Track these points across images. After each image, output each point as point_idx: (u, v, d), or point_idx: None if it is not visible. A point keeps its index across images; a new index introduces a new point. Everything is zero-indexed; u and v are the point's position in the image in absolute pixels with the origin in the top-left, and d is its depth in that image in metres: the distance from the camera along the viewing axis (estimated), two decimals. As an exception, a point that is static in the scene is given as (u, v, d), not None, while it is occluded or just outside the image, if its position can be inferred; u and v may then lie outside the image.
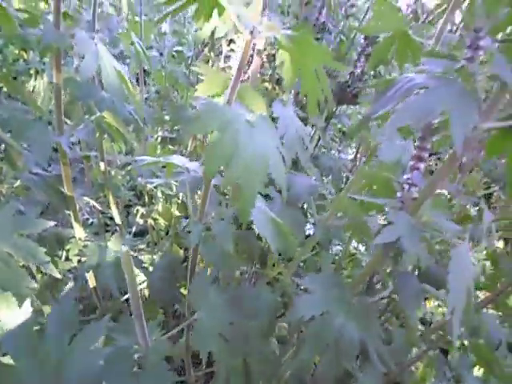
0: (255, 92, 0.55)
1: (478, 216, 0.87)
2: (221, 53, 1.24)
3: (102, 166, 0.95)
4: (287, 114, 0.69)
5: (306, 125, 0.91)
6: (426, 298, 1.08)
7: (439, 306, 1.10)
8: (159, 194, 1.11)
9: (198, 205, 0.57)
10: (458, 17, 0.78)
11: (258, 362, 0.66)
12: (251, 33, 0.45)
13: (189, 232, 0.63)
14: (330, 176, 1.11)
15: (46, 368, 0.44)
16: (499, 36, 0.46)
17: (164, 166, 0.96)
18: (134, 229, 1.10)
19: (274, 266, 0.92)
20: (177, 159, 0.64)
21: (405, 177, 0.49)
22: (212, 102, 0.46)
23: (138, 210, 1.10)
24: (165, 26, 1.19)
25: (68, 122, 0.74)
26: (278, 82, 0.99)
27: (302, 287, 0.54)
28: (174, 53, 1.27)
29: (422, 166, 0.48)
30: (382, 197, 0.53)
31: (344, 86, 1.11)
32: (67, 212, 0.77)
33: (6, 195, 0.70)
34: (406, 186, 0.49)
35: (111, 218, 1.08)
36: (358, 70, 1.08)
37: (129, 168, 1.05)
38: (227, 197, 0.82)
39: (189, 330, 0.68)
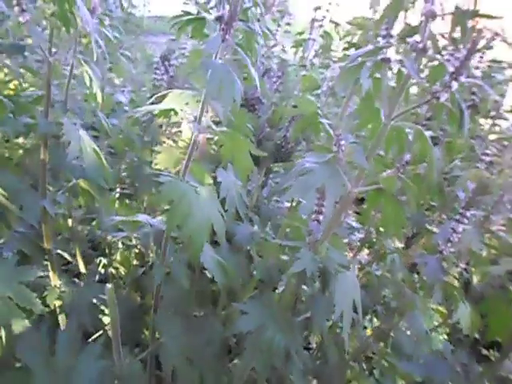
0: (201, 167, 0.77)
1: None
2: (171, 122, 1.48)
3: (70, 222, 1.13)
4: (229, 178, 0.92)
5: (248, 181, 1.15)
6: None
7: (365, 327, 1.33)
8: (120, 245, 1.28)
9: (160, 252, 0.78)
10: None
11: (213, 377, 0.85)
12: (198, 131, 0.68)
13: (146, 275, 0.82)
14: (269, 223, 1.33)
15: (58, 374, 0.62)
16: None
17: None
18: (96, 277, 1.26)
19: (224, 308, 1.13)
20: (141, 217, 0.84)
21: (309, 227, 0.72)
22: (171, 179, 0.68)
23: (100, 261, 1.27)
24: (122, 98, 1.42)
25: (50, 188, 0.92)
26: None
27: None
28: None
29: (320, 217, 0.72)
30: (297, 240, 0.76)
31: (279, 146, 1.36)
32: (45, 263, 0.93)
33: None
34: (311, 232, 0.72)
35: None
36: (289, 134, 1.34)
37: (93, 223, 1.23)
38: (181, 245, 1.02)
39: (153, 353, 0.86)
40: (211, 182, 0.77)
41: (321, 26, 1.33)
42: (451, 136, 1.14)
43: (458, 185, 0.94)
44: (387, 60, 0.65)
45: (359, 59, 0.67)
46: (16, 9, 0.68)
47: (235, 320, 1.03)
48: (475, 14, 0.55)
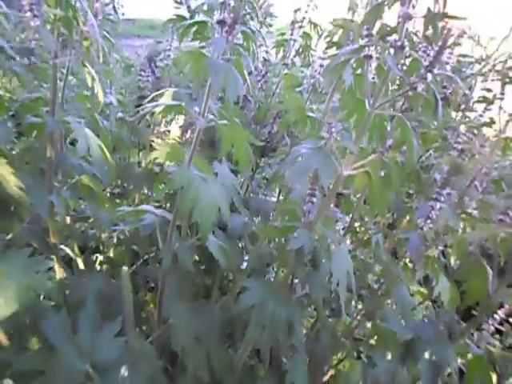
0: (203, 159, 0.85)
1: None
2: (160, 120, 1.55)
3: (68, 220, 1.18)
4: (224, 171, 1.00)
5: (237, 176, 1.23)
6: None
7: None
8: (114, 242, 1.34)
9: (167, 236, 0.85)
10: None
11: (217, 356, 0.92)
12: (202, 124, 0.76)
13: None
14: (258, 215, 1.42)
15: (81, 351, 0.68)
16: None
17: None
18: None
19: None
20: (146, 207, 0.91)
21: (304, 207, 0.81)
22: (180, 169, 0.76)
23: (96, 257, 1.32)
24: (111, 98, 1.48)
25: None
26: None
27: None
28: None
29: (314, 199, 0.81)
30: (292, 222, 0.84)
31: (265, 142, 1.45)
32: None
33: (15, 242, 0.91)
34: (306, 213, 0.81)
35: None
36: (274, 130, 1.43)
37: (91, 220, 1.29)
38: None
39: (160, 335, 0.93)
40: (212, 171, 0.85)
41: (301, 26, 1.43)
42: (426, 127, 1.25)
43: (435, 169, 1.04)
44: (369, 57, 0.74)
45: (343, 57, 0.76)
46: (28, 14, 0.74)
47: (231, 306, 1.12)
48: (444, 15, 0.65)
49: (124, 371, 0.62)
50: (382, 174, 0.78)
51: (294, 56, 1.47)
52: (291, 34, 1.39)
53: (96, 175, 1.01)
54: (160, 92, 1.03)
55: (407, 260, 1.20)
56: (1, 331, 0.78)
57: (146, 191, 1.56)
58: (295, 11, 1.43)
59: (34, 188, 0.85)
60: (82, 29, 0.83)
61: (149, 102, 1.15)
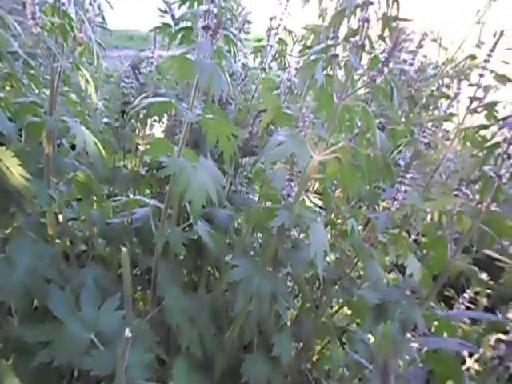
0: (191, 151, 0.96)
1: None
2: (144, 123, 1.66)
3: (61, 218, 1.27)
4: (209, 164, 1.11)
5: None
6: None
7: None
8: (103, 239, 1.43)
9: (160, 223, 0.95)
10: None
11: (208, 334, 1.02)
12: (190, 118, 0.88)
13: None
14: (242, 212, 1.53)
15: (86, 324, 0.78)
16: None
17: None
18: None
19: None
20: (140, 198, 1.02)
21: (284, 191, 0.93)
22: (171, 157, 0.87)
23: (88, 255, 1.41)
24: (98, 103, 1.58)
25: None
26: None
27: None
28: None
29: (292, 183, 0.92)
30: (274, 205, 0.96)
31: (245, 142, 1.57)
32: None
33: (19, 231, 1.00)
34: (286, 196, 0.93)
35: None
36: (254, 130, 1.55)
37: (82, 218, 1.38)
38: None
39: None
40: (200, 162, 0.96)
41: (276, 33, 1.56)
42: (394, 123, 1.39)
43: (401, 157, 1.18)
44: (336, 55, 0.87)
45: (313, 56, 0.89)
46: (31, 22, 0.84)
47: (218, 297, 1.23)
48: (396, 18, 0.78)
49: (128, 332, 0.71)
50: (352, 160, 0.90)
51: (271, 61, 1.61)
52: (268, 40, 1.53)
53: (90, 172, 1.12)
54: (146, 94, 1.14)
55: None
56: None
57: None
58: (271, 19, 1.56)
59: (34, 181, 0.95)
60: (77, 35, 0.94)
61: (135, 106, 1.27)
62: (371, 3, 0.78)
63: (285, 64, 1.64)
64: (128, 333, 0.71)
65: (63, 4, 0.88)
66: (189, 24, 1.05)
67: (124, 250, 0.85)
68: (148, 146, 1.09)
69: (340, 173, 0.92)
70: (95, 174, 1.07)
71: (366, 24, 0.81)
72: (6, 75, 1.04)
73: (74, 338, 0.77)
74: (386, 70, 0.78)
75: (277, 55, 1.61)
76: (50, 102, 0.97)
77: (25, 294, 0.84)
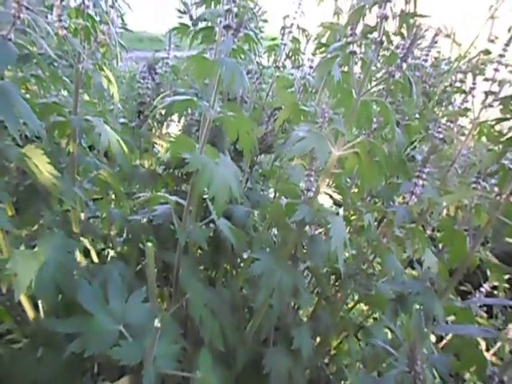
0: (212, 148, 0.98)
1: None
2: (160, 122, 1.69)
3: (83, 215, 1.31)
4: (228, 161, 1.14)
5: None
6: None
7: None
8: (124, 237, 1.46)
9: (182, 219, 0.98)
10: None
11: (230, 328, 1.05)
12: (212, 115, 0.90)
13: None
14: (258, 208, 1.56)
15: (114, 316, 0.81)
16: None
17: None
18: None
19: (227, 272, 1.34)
20: (162, 194, 1.05)
21: (304, 186, 0.95)
22: (194, 154, 0.89)
23: (108, 252, 1.44)
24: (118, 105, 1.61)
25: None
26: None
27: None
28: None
29: (312, 178, 0.94)
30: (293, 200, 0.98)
31: (261, 140, 1.59)
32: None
33: (45, 228, 1.03)
34: (305, 191, 0.95)
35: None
36: (269, 128, 1.57)
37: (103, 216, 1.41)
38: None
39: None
40: (220, 159, 0.98)
41: (290, 32, 1.58)
42: (409, 119, 1.40)
43: (417, 152, 1.19)
44: (354, 52, 0.89)
45: (331, 54, 0.91)
46: (57, 24, 0.87)
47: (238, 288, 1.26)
48: (414, 14, 0.80)
49: (157, 323, 0.74)
50: (370, 155, 0.92)
51: (285, 59, 1.63)
52: (282, 39, 1.55)
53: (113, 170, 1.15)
54: (164, 94, 1.17)
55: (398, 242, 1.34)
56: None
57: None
58: (284, 18, 1.58)
59: (61, 179, 0.98)
60: (101, 37, 0.97)
61: (155, 106, 1.30)
62: (389, 0, 0.80)
63: (299, 62, 1.66)
64: (157, 323, 0.74)
65: (88, 6, 0.91)
66: (208, 24, 1.07)
67: (149, 244, 0.88)
68: (168, 144, 1.12)
69: (359, 167, 0.94)
70: (116, 173, 1.10)
71: (383, 21, 0.83)
72: (31, 77, 1.08)
73: (103, 329, 0.80)
74: (404, 65, 0.79)
75: (290, 54, 1.63)
76: (74, 102, 1.00)
77: (55, 289, 0.87)
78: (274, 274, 0.92)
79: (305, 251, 1.04)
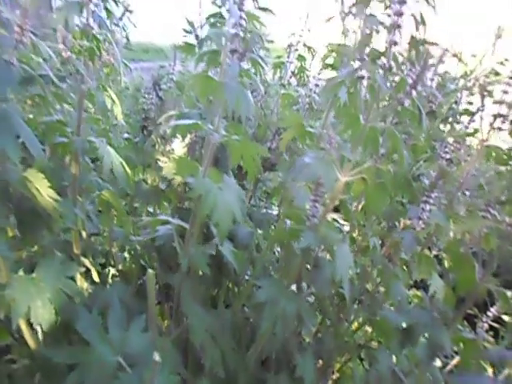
0: (215, 171, 0.97)
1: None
2: (164, 138, 1.67)
3: (84, 234, 1.29)
4: (231, 182, 1.12)
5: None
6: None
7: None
8: (126, 255, 1.44)
9: (185, 242, 0.96)
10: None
11: (231, 353, 1.02)
12: (216, 138, 0.88)
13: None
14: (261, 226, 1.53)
15: (114, 346, 0.78)
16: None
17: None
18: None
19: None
20: (164, 217, 1.03)
21: (309, 212, 0.93)
22: (197, 179, 0.87)
23: (109, 270, 1.42)
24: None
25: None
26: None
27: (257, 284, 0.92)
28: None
29: (317, 204, 0.92)
30: (298, 225, 0.96)
31: (265, 158, 1.58)
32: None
33: (46, 251, 1.01)
34: (310, 217, 0.93)
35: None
36: (274, 145, 1.56)
37: (105, 234, 1.39)
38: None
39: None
40: (224, 182, 0.96)
41: (296, 50, 1.57)
42: (415, 139, 1.38)
43: (424, 176, 1.17)
44: (362, 77, 0.87)
45: (339, 79, 0.90)
46: (61, 46, 0.86)
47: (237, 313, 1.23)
48: (424, 41, 0.78)
49: (157, 357, 0.72)
50: (377, 180, 0.90)
51: (290, 77, 1.62)
52: (288, 57, 1.54)
53: (115, 190, 1.13)
54: (171, 114, 1.15)
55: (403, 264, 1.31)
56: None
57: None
58: (290, 35, 1.57)
59: (61, 201, 0.96)
60: (105, 58, 0.96)
61: (159, 127, 1.29)
62: (399, 26, 0.78)
63: (304, 80, 1.65)
64: (157, 357, 0.71)
65: (93, 28, 0.90)
66: (212, 44, 1.06)
67: (150, 271, 0.86)
68: (170, 164, 1.10)
69: (365, 192, 0.92)
70: (118, 191, 1.08)
71: (392, 47, 0.81)
72: (33, 96, 1.06)
73: (102, 360, 0.77)
74: (414, 93, 0.78)
75: (296, 71, 1.62)
76: (78, 122, 0.98)
77: (54, 316, 0.85)
78: (278, 302, 0.90)
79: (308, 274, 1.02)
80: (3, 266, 0.87)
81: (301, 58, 1.60)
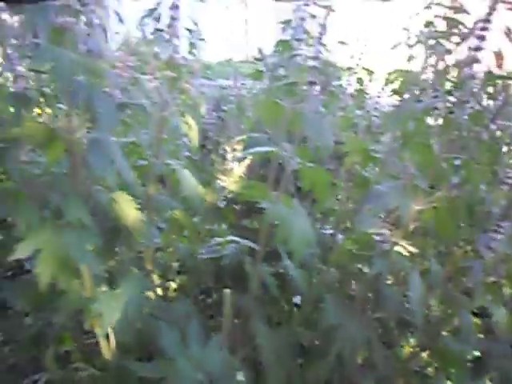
0: (287, 196, 1.00)
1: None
2: (223, 156, 1.73)
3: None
4: (301, 210, 1.15)
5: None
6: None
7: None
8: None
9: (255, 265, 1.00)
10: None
11: (297, 374, 1.05)
12: (293, 166, 0.92)
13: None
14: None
15: (191, 362, 0.83)
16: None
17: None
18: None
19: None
20: (233, 238, 1.07)
21: (379, 238, 0.95)
22: (274, 206, 0.91)
23: (170, 286, 1.48)
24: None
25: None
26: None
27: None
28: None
29: (387, 231, 0.94)
30: (366, 251, 0.98)
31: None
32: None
33: (123, 266, 1.07)
34: (380, 243, 0.95)
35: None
36: (331, 168, 1.59)
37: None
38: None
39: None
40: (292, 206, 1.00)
41: (355, 72, 1.60)
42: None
43: (489, 203, 1.16)
44: (436, 108, 0.90)
45: (411, 108, 0.92)
46: (151, 76, 0.93)
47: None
48: (501, 76, 0.80)
49: (240, 377, 0.76)
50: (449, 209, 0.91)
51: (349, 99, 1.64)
52: (347, 80, 1.57)
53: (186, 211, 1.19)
54: (241, 138, 1.21)
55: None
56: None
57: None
58: (350, 58, 1.61)
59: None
60: (185, 87, 1.02)
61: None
62: (477, 61, 0.80)
63: (362, 102, 1.67)
64: (241, 377, 0.75)
65: (176, 60, 0.96)
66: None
67: (227, 291, 0.90)
68: (237, 184, 1.15)
69: (436, 220, 0.93)
70: (188, 211, 1.13)
71: (469, 80, 0.83)
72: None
73: (185, 376, 0.82)
74: (493, 127, 0.79)
75: (355, 93, 1.65)
76: (157, 147, 1.05)
77: (135, 332, 0.90)
78: (348, 327, 0.92)
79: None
80: (89, 280, 0.93)
81: (360, 80, 1.63)
